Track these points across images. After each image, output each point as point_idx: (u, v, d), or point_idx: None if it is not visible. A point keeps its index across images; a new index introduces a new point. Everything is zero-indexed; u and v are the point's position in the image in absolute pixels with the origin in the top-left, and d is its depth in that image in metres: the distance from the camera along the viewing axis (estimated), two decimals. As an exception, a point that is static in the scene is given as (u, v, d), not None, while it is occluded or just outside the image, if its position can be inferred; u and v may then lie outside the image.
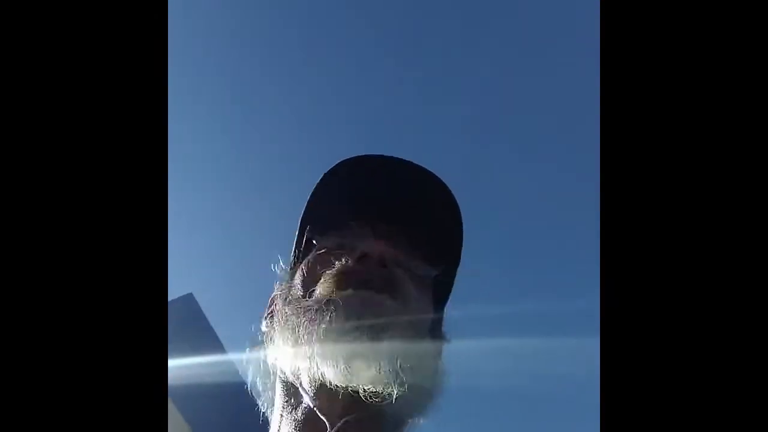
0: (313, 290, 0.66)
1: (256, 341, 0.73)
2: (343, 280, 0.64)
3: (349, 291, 0.62)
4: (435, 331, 0.70)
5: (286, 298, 0.69)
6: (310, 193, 0.75)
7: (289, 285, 0.72)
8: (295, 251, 0.76)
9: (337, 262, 0.66)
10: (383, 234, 0.69)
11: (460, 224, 0.75)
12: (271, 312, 0.74)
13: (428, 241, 0.72)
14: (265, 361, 0.69)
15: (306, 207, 0.76)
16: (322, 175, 0.75)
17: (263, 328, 0.74)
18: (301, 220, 0.76)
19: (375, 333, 0.58)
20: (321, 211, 0.74)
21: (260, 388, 0.70)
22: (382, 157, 0.74)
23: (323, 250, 0.71)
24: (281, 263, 0.76)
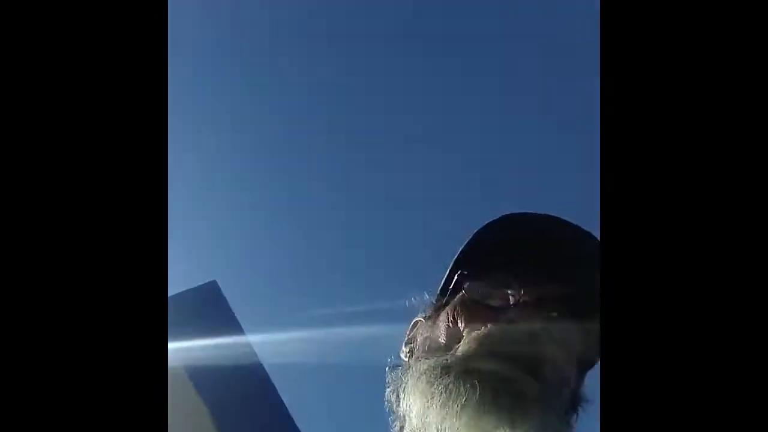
0: (456, 345, 0.63)
1: (396, 363, 0.73)
2: (487, 347, 0.61)
3: (492, 366, 0.59)
4: (575, 401, 0.65)
5: (426, 339, 0.69)
6: (468, 239, 0.74)
7: (432, 323, 0.71)
8: (443, 287, 0.75)
9: (483, 327, 0.63)
10: (535, 291, 0.66)
11: None
12: (413, 338, 0.74)
13: (582, 301, 0.67)
14: (397, 392, 0.67)
15: (462, 251, 0.74)
16: (484, 224, 0.74)
17: (402, 355, 0.74)
18: (455, 261, 0.75)
19: (513, 418, 0.56)
20: (476, 259, 0.72)
21: (391, 406, 0.69)
22: (547, 216, 0.73)
23: (472, 299, 0.69)
24: (426, 294, 0.76)
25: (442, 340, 0.66)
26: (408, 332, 0.77)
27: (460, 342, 0.64)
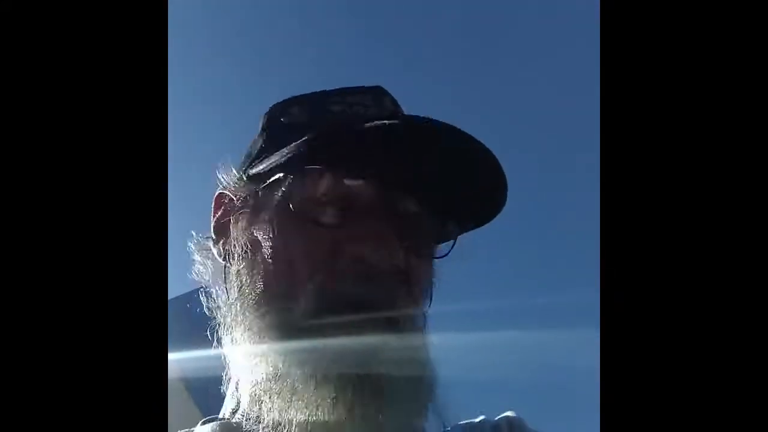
0: (293, 290, 0.50)
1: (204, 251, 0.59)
2: (333, 308, 0.49)
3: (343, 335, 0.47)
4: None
5: (253, 255, 0.54)
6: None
7: (250, 220, 0.55)
8: (256, 173, 0.57)
9: (321, 275, 0.50)
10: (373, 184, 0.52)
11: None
12: (224, 229, 0.58)
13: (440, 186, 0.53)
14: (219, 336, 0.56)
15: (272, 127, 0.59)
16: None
17: (214, 252, 0.59)
18: (268, 139, 0.59)
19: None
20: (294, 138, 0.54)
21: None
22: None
23: (296, 210, 0.52)
24: (232, 167, 0.59)
25: (271, 267, 0.52)
26: (214, 212, 0.59)
27: (296, 284, 0.51)
